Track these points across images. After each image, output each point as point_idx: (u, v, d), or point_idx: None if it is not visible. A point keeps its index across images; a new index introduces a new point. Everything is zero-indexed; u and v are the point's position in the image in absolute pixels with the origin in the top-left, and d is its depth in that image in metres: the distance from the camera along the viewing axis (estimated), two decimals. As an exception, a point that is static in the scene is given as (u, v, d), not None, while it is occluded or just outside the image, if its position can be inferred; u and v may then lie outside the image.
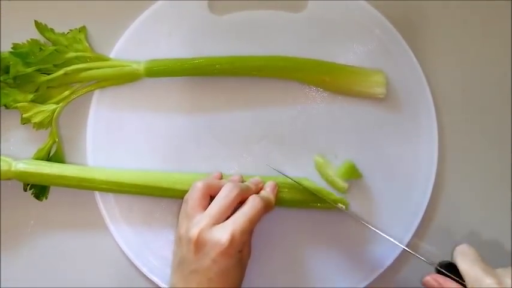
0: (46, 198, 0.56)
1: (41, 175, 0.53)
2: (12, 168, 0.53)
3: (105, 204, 0.55)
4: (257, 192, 0.50)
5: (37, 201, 0.55)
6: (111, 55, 0.57)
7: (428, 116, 0.56)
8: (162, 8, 0.57)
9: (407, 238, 0.54)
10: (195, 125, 0.56)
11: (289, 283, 0.54)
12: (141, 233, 0.55)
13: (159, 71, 0.55)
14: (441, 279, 0.45)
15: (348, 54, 0.57)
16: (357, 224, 0.54)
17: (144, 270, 0.54)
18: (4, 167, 0.53)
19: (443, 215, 0.56)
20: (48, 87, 0.55)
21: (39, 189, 0.55)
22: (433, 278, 0.46)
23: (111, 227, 0.55)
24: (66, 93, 0.56)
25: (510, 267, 0.43)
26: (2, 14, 0.58)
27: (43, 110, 0.55)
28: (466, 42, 0.59)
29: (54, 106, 0.55)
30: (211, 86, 0.56)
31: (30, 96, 0.55)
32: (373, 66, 0.56)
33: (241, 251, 0.46)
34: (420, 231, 0.55)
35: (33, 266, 0.56)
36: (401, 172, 0.55)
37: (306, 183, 0.53)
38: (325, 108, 0.56)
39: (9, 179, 0.54)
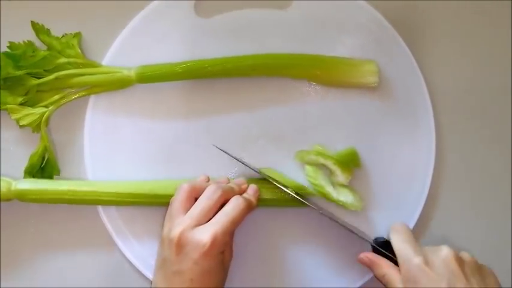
0: None
1: (42, 193, 0.52)
2: (12, 188, 0.52)
3: (108, 217, 0.54)
4: (240, 193, 0.50)
5: (39, 217, 0.55)
6: (105, 61, 0.57)
7: (425, 111, 0.56)
8: (151, 14, 0.57)
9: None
10: (191, 128, 0.56)
11: (280, 283, 0.53)
12: (145, 242, 0.54)
13: (150, 76, 0.55)
14: (373, 257, 0.48)
15: (341, 50, 0.56)
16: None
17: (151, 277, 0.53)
18: (4, 188, 0.52)
19: (441, 212, 0.55)
20: (38, 91, 0.55)
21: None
22: (366, 256, 0.48)
23: (115, 238, 0.54)
24: (56, 97, 0.55)
25: (438, 246, 0.45)
26: (2, 14, 0.58)
27: (32, 113, 0.54)
28: (465, 41, 0.59)
29: (43, 109, 0.55)
30: (205, 89, 0.56)
31: (20, 99, 0.55)
32: (367, 61, 0.56)
33: (223, 252, 0.46)
34: (418, 229, 0.54)
35: (36, 283, 0.55)
36: (399, 165, 0.55)
37: (272, 174, 0.53)
38: (320, 102, 0.56)
39: (9, 199, 0.52)
